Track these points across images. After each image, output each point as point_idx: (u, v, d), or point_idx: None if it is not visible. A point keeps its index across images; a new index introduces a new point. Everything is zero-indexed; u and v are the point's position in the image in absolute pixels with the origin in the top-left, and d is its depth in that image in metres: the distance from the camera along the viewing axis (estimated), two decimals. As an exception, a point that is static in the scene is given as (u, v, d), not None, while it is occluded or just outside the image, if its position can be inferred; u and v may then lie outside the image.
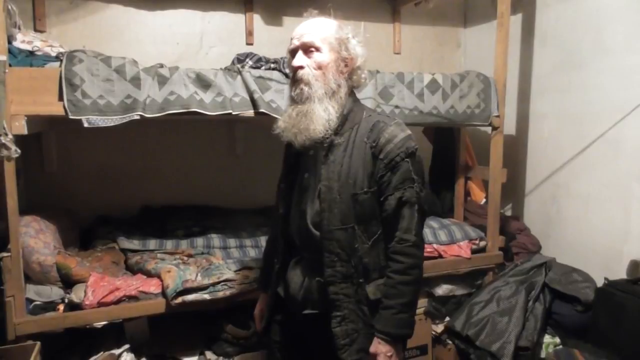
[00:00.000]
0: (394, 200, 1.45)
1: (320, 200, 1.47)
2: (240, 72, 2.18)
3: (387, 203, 1.46)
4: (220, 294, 2.16)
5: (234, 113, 2.17)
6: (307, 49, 1.47)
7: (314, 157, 1.51)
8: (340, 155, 1.48)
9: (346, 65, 1.50)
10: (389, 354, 1.44)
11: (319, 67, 1.46)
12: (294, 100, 1.49)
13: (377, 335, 1.46)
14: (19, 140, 1.92)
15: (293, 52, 1.51)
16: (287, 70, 2.18)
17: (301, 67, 1.46)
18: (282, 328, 1.66)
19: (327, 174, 1.47)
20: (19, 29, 2.18)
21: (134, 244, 2.51)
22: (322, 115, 1.44)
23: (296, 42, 1.49)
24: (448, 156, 3.16)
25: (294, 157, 1.58)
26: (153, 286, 2.15)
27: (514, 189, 3.13)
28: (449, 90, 2.56)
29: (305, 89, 1.45)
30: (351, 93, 1.56)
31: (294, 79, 1.50)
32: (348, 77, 1.52)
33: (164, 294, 2.12)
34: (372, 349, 1.46)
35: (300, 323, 1.58)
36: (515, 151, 3.10)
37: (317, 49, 1.46)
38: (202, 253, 2.49)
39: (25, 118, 1.91)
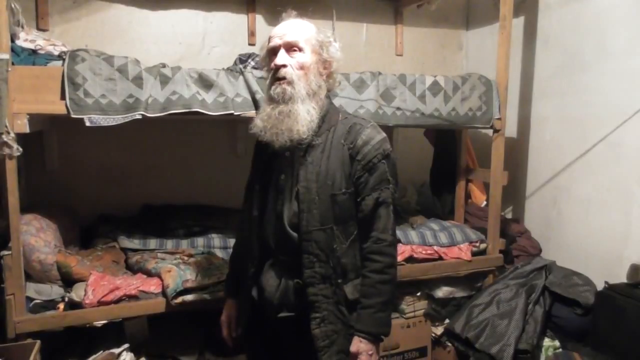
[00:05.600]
0: (371, 201, 1.47)
1: (299, 201, 1.47)
2: (242, 73, 2.19)
3: (365, 203, 1.48)
4: (220, 294, 2.15)
5: (235, 113, 2.17)
6: (290, 48, 1.46)
7: (290, 158, 1.50)
8: (318, 156, 1.48)
9: (325, 68, 1.51)
10: (370, 352, 1.47)
11: (301, 68, 1.45)
12: (273, 100, 1.46)
13: (357, 334, 1.47)
14: (20, 138, 1.92)
15: (274, 51, 1.48)
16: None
17: (284, 66, 1.45)
18: (259, 331, 1.64)
19: (305, 175, 1.47)
20: (22, 27, 2.19)
21: (135, 243, 2.51)
22: (305, 117, 1.43)
23: (278, 41, 1.47)
24: (449, 158, 3.16)
25: (268, 158, 1.56)
26: (153, 286, 2.15)
27: (514, 192, 3.13)
28: (450, 92, 2.57)
29: (288, 88, 1.43)
30: (327, 95, 1.56)
31: (274, 77, 1.47)
32: (326, 79, 1.52)
33: (164, 293, 2.12)
34: (352, 348, 1.47)
35: (277, 326, 1.57)
36: (517, 154, 3.10)
37: (300, 49, 1.46)
38: (203, 253, 2.49)
39: (27, 116, 1.91)
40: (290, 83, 1.44)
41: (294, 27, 1.48)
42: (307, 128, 1.44)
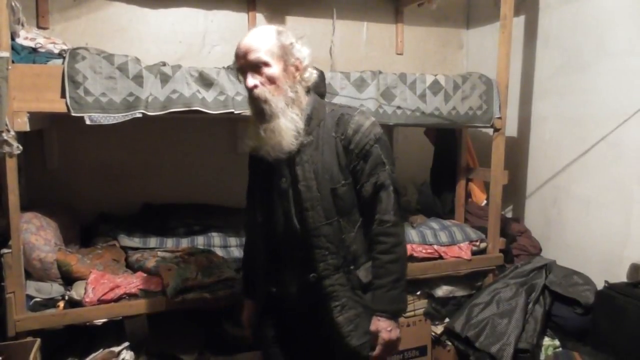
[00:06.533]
0: (369, 187, 1.51)
1: (302, 200, 1.50)
2: (242, 71, 2.18)
3: (364, 190, 1.52)
4: (220, 293, 2.16)
5: (236, 112, 2.17)
6: (255, 66, 1.46)
7: (286, 160, 1.52)
8: (312, 153, 1.51)
9: (297, 69, 1.50)
10: (389, 329, 1.52)
11: (272, 82, 1.46)
12: (258, 119, 1.49)
13: (375, 314, 1.53)
14: (20, 136, 1.92)
15: (241, 71, 1.50)
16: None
17: (255, 87, 1.46)
18: (276, 323, 1.68)
19: (303, 174, 1.50)
20: (22, 25, 2.18)
21: (135, 242, 2.51)
22: (289, 127, 1.46)
23: (242, 62, 1.48)
24: (449, 157, 3.16)
25: (266, 165, 1.57)
26: (153, 284, 2.15)
27: (514, 191, 3.13)
28: (451, 91, 2.56)
29: (266, 107, 1.45)
30: (308, 91, 1.56)
31: (251, 97, 1.49)
32: (301, 78, 1.52)
33: (164, 292, 2.12)
34: (372, 327, 1.52)
35: (294, 318, 1.61)
36: (517, 153, 3.10)
37: (265, 64, 1.45)
38: (203, 251, 2.49)
39: (28, 115, 1.91)
40: (265, 102, 1.45)
41: (253, 42, 1.46)
42: (294, 137, 1.47)
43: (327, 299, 1.52)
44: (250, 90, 1.47)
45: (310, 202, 1.49)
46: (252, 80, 1.46)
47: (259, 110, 1.47)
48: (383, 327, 1.52)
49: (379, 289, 1.52)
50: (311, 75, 1.55)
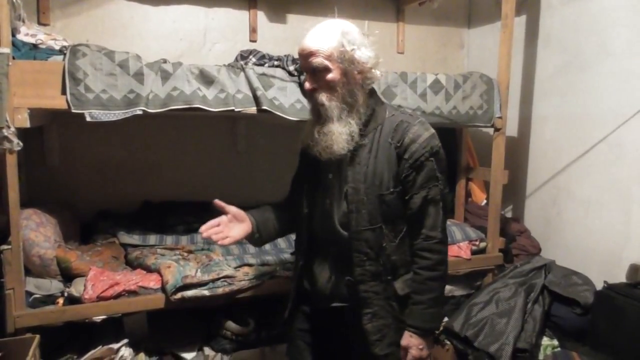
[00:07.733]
0: (419, 199, 1.48)
1: (348, 201, 1.49)
2: (243, 69, 2.18)
3: (413, 202, 1.49)
4: (220, 291, 2.16)
5: (236, 110, 2.17)
6: (314, 69, 1.46)
7: (338, 158, 1.50)
8: (365, 156, 1.49)
9: (360, 73, 1.48)
10: (420, 347, 1.50)
11: (330, 87, 1.45)
12: (314, 119, 1.51)
13: (408, 329, 1.51)
14: (20, 133, 1.92)
15: (302, 70, 1.52)
16: (291, 68, 2.20)
17: (313, 90, 1.47)
18: (308, 318, 1.68)
19: (353, 175, 1.49)
20: (23, 22, 2.18)
21: (134, 239, 2.51)
22: (342, 132, 1.45)
23: (303, 63, 1.48)
24: (449, 157, 3.14)
25: (314, 157, 1.55)
26: (152, 281, 2.15)
27: (514, 191, 3.13)
28: (451, 90, 2.56)
29: (322, 110, 1.46)
30: (371, 93, 1.54)
31: (309, 98, 1.51)
32: (363, 82, 1.50)
33: (163, 289, 2.12)
34: (404, 342, 1.51)
35: (325, 316, 1.61)
36: (517, 153, 3.10)
37: (325, 69, 1.44)
38: (202, 249, 2.49)
39: (28, 111, 1.91)
40: (322, 105, 1.46)
41: (314, 44, 1.44)
42: (347, 142, 1.46)
43: (359, 304, 1.51)
44: (308, 92, 1.49)
45: (355, 204, 1.48)
46: (309, 83, 1.47)
47: (316, 111, 1.48)
48: (415, 344, 1.50)
49: (417, 305, 1.50)
50: (375, 75, 1.51)
